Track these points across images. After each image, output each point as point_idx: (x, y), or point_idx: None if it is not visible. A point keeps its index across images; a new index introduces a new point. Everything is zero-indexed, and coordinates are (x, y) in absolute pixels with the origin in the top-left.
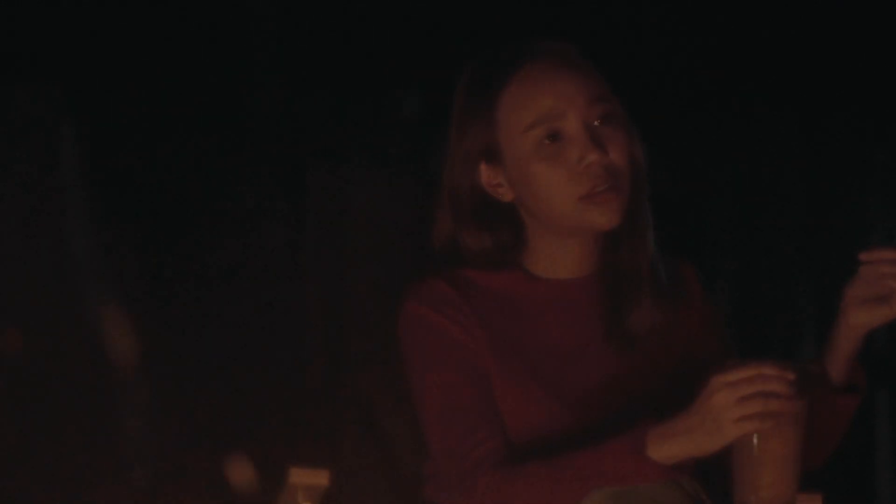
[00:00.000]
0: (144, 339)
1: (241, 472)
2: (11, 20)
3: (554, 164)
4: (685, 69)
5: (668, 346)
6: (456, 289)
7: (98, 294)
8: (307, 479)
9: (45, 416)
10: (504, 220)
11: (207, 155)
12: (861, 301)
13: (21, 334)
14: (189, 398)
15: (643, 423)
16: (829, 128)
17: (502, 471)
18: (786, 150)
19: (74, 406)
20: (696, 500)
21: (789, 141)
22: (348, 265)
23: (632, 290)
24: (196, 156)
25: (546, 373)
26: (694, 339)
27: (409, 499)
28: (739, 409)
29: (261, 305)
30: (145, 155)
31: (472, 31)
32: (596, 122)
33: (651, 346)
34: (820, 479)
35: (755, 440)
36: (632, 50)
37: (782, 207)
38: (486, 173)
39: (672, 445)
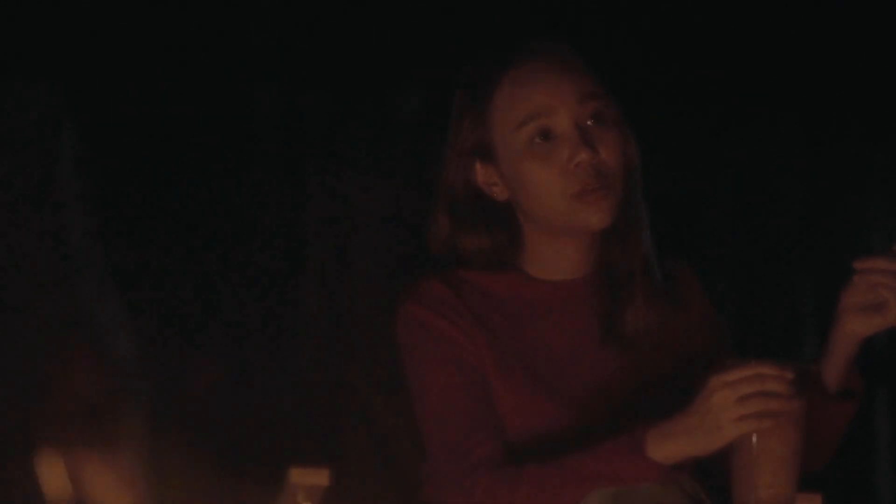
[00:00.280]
0: (144, 339)
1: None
2: (12, 19)
3: (545, 162)
4: (685, 69)
5: (665, 346)
6: (453, 290)
7: (98, 294)
8: (307, 479)
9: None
10: (500, 221)
11: (207, 155)
12: (856, 309)
13: (21, 334)
14: (189, 398)
15: (642, 423)
16: (830, 128)
17: (501, 472)
18: (786, 151)
19: (73, 405)
20: (695, 500)
21: (789, 141)
22: (348, 265)
23: (626, 290)
24: (196, 156)
25: (543, 374)
26: (692, 339)
27: (408, 499)
28: (739, 409)
29: (261, 305)
30: (145, 155)
31: (472, 31)
32: (589, 122)
33: (648, 347)
34: (820, 479)
35: (754, 440)
36: (632, 50)
37: (782, 207)
38: (481, 172)
39: (671, 445)
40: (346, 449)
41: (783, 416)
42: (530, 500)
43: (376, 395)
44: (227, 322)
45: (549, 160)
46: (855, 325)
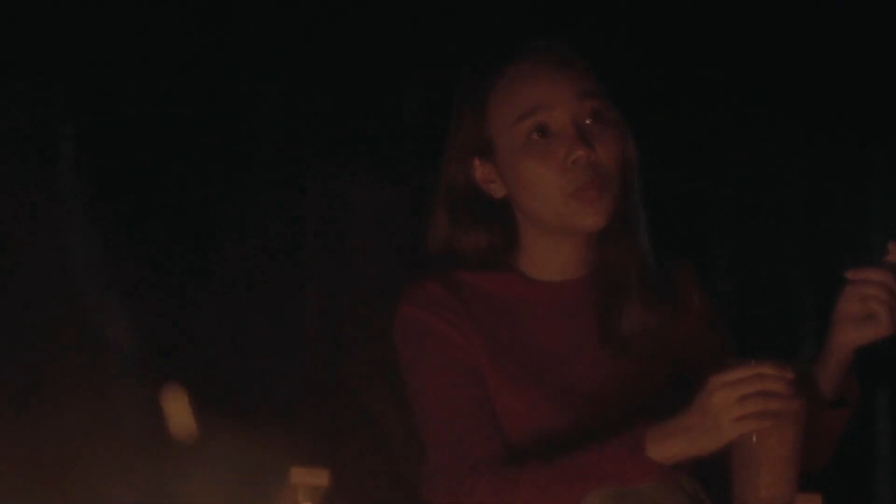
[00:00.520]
0: (144, 339)
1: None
2: (12, 20)
3: (542, 158)
4: (686, 69)
5: (663, 346)
6: (451, 291)
7: (98, 294)
8: (307, 479)
9: (44, 416)
10: (497, 219)
11: (207, 155)
12: (850, 318)
13: (21, 334)
14: (188, 398)
15: (642, 423)
16: (830, 128)
17: (500, 472)
18: (786, 151)
19: (74, 406)
20: (695, 500)
21: (790, 141)
22: (348, 265)
23: (622, 292)
24: (196, 156)
25: (541, 374)
26: (691, 339)
27: (408, 499)
28: (738, 409)
29: (261, 305)
30: (145, 155)
31: (472, 31)
32: (587, 121)
33: (646, 347)
34: (820, 479)
35: (754, 440)
36: (633, 50)
37: (782, 207)
38: (479, 169)
39: (671, 445)
40: (346, 449)
41: (783, 416)
42: (530, 500)
43: (376, 395)
44: (227, 322)
45: (546, 156)
46: (848, 336)
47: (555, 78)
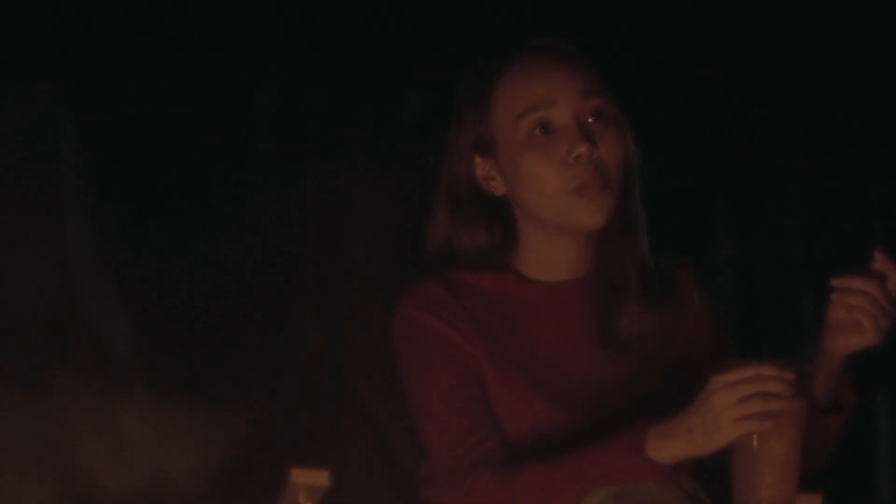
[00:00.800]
0: (144, 339)
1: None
2: (11, 19)
3: (544, 155)
4: (686, 69)
5: (663, 347)
6: (449, 291)
7: (98, 294)
8: (307, 479)
9: (44, 416)
10: (497, 218)
11: (207, 155)
12: (838, 326)
13: (21, 334)
14: (189, 398)
15: (642, 422)
16: (831, 129)
17: (500, 472)
18: (786, 151)
19: (74, 406)
20: (695, 500)
21: (790, 141)
22: (348, 265)
23: (622, 292)
24: (196, 155)
25: (540, 374)
26: (690, 339)
27: (408, 499)
28: (739, 409)
29: (261, 305)
30: (145, 155)
31: (472, 31)
32: (589, 119)
33: (646, 347)
34: (820, 479)
35: (755, 440)
36: (633, 50)
37: (782, 207)
38: (479, 166)
39: (671, 445)
40: (346, 449)
41: (784, 416)
42: (530, 500)
43: (376, 396)
44: (227, 322)
45: (548, 153)
46: (837, 342)
47: (558, 75)
